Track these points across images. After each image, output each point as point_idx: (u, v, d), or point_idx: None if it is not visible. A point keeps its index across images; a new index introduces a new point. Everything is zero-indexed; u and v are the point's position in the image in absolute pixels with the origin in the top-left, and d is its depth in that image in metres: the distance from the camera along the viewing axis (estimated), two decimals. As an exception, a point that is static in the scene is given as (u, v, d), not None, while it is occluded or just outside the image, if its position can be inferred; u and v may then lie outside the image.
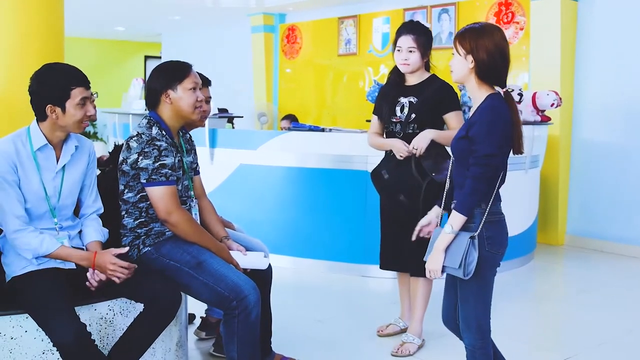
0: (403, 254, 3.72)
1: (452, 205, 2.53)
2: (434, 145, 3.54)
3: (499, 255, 2.54)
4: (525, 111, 5.75)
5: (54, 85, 2.64)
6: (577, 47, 6.59)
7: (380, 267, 3.91)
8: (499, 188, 2.52)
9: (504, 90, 2.52)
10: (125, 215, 2.93)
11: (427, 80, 3.67)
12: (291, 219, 5.56)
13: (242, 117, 7.80)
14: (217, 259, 2.89)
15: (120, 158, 2.92)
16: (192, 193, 3.11)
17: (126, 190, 2.91)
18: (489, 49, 2.46)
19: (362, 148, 5.21)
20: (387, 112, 3.72)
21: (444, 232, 2.49)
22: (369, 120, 5.75)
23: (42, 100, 2.65)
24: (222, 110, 7.17)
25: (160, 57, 13.66)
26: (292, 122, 8.12)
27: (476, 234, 2.46)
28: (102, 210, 2.90)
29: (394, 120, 3.69)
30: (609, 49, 6.37)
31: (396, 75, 3.73)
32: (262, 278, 3.12)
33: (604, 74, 6.42)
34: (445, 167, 3.43)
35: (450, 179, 2.68)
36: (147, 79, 3.04)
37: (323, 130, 5.63)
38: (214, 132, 5.90)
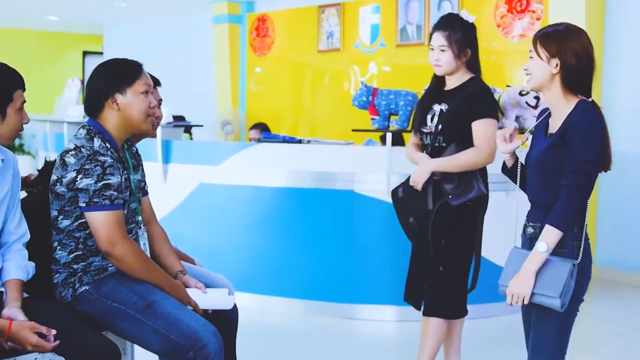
0: (420, 288, 3.80)
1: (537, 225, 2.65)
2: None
3: (585, 288, 2.66)
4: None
5: None
6: (605, 44, 6.68)
7: (403, 299, 3.97)
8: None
9: (590, 99, 2.64)
10: (59, 247, 2.91)
11: (464, 83, 3.71)
12: (261, 250, 5.56)
13: (202, 126, 7.81)
14: (170, 299, 2.89)
15: (53, 177, 2.90)
16: (139, 218, 3.10)
17: (61, 217, 2.90)
18: (577, 53, 2.59)
19: (347, 163, 5.24)
20: (419, 120, 3.81)
21: (537, 251, 2.58)
22: (355, 130, 5.85)
23: None
24: (178, 118, 7.17)
25: (101, 54, 13.65)
26: (263, 132, 8.13)
27: (577, 261, 2.57)
28: (27, 237, 2.88)
29: (425, 130, 3.76)
30: (642, 44, 6.48)
31: (436, 78, 3.81)
32: (226, 321, 3.12)
33: (637, 75, 6.52)
34: (468, 194, 3.57)
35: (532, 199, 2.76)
36: (87, 80, 3.04)
37: (300, 141, 5.65)
38: (167, 144, 5.90)
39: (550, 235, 2.57)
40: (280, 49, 9.59)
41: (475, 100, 3.63)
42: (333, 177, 5.27)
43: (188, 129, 7.85)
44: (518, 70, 7.19)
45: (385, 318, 5.23)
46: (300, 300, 5.44)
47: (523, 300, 2.59)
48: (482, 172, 3.68)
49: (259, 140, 6.55)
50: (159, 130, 5.78)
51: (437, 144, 3.68)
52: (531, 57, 2.67)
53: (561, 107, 2.64)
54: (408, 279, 3.92)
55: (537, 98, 5.32)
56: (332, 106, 9.02)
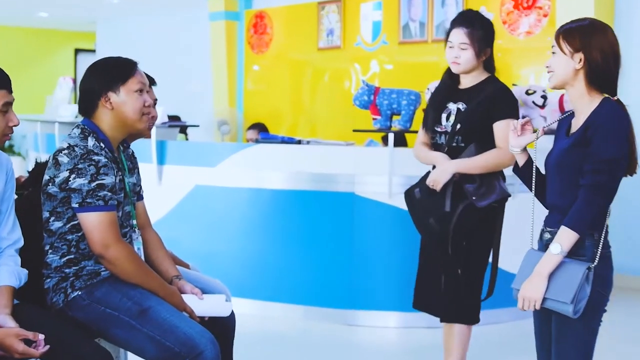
0: (434, 293, 3.78)
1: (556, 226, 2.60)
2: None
3: (606, 298, 2.62)
4: (551, 117, 5.81)
5: None
6: (614, 40, 6.68)
7: (412, 306, 3.95)
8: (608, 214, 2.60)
9: (615, 98, 2.62)
10: (50, 250, 2.91)
11: (482, 82, 3.71)
12: (259, 254, 5.55)
13: (198, 126, 7.81)
14: (165, 305, 2.88)
15: (46, 177, 2.91)
16: (134, 222, 3.10)
17: (52, 219, 2.89)
18: (603, 49, 2.57)
19: (347, 165, 5.24)
20: (432, 119, 3.79)
21: (550, 253, 2.55)
22: (356, 130, 5.85)
23: None
24: (173, 118, 7.17)
25: (94, 51, 13.64)
26: (261, 132, 8.14)
27: (593, 265, 2.53)
28: (21, 243, 2.88)
29: (439, 129, 3.76)
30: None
31: (449, 75, 3.80)
32: (223, 328, 3.11)
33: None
34: (492, 195, 3.57)
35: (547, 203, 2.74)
36: (81, 79, 3.04)
37: (299, 142, 5.65)
38: (162, 145, 5.90)
39: (565, 237, 2.53)
40: (279, 47, 9.59)
41: (497, 101, 3.63)
42: (333, 179, 5.27)
43: (183, 129, 7.84)
44: (524, 69, 7.19)
45: (388, 324, 5.23)
46: (300, 306, 5.43)
47: (535, 305, 2.56)
48: (501, 172, 3.70)
49: (256, 141, 6.55)
50: (153, 131, 5.75)
51: (454, 144, 3.67)
52: (553, 53, 2.65)
53: (584, 105, 2.61)
54: (418, 285, 3.90)
55: (544, 97, 5.32)
56: (333, 106, 9.02)
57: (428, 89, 5.01)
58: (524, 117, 4.51)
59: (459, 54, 3.67)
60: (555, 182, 2.67)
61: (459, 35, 3.67)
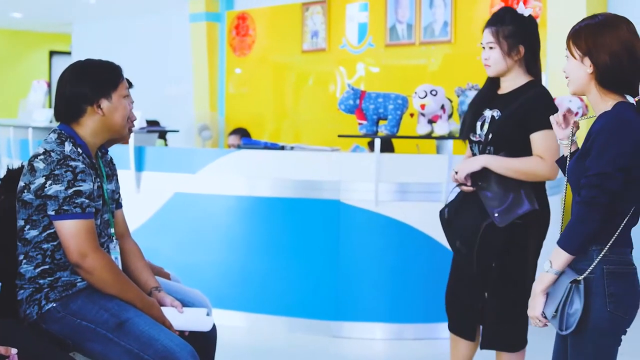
0: (467, 316, 3.64)
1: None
2: (499, 176, 3.41)
3: (626, 321, 2.52)
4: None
5: None
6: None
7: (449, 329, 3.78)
8: (627, 228, 2.52)
9: (636, 99, 2.52)
10: (24, 260, 2.90)
11: (521, 87, 3.50)
12: (241, 264, 5.55)
13: (178, 131, 7.80)
14: (144, 317, 2.88)
15: (21, 184, 2.90)
16: (112, 231, 3.10)
17: (27, 227, 2.89)
18: (612, 49, 2.48)
19: (333, 171, 5.24)
20: (468, 127, 3.64)
21: (542, 271, 2.54)
22: (342, 135, 5.86)
23: None
24: (152, 123, 7.16)
25: (69, 54, 13.61)
26: (243, 137, 8.13)
27: (582, 277, 2.47)
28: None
29: (474, 139, 3.59)
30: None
31: (490, 80, 3.63)
32: (204, 341, 3.11)
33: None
34: (518, 209, 3.36)
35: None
36: (60, 83, 3.03)
37: (283, 148, 5.65)
38: (140, 150, 5.89)
39: (556, 255, 2.51)
40: (262, 49, 9.60)
41: (534, 109, 3.40)
42: (318, 186, 5.27)
43: (163, 134, 7.84)
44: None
45: (374, 336, 5.23)
46: (284, 317, 5.43)
47: (538, 323, 2.58)
48: (536, 186, 3.45)
49: (238, 147, 6.54)
50: (131, 136, 5.76)
51: (487, 154, 3.50)
52: (567, 57, 2.59)
53: (601, 110, 2.53)
54: (449, 308, 3.73)
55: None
56: (317, 110, 9.03)
57: (415, 92, 5.02)
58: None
59: (488, 54, 3.53)
60: (574, 196, 2.58)
61: (487, 35, 3.54)
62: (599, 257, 2.49)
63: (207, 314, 3.15)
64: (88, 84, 2.98)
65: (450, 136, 5.07)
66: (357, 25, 8.50)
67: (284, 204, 5.39)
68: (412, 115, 5.37)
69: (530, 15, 3.55)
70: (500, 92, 3.57)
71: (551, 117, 2.78)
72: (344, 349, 5.11)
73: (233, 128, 9.22)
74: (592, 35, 2.52)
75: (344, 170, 5.29)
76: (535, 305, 2.56)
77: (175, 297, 3.14)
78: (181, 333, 2.97)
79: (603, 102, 2.53)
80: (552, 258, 2.52)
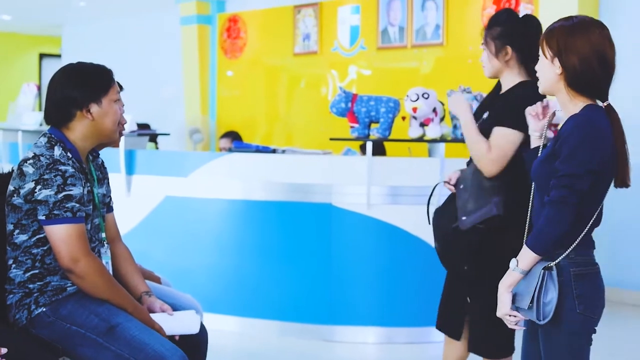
0: (452, 316, 3.62)
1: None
2: (478, 175, 3.37)
3: (595, 320, 2.56)
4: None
5: None
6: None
7: (436, 326, 3.77)
8: (591, 230, 2.55)
9: (605, 104, 2.56)
10: (14, 265, 2.90)
11: (512, 88, 3.48)
12: (232, 268, 5.55)
13: (169, 134, 7.79)
14: (134, 321, 2.88)
15: (10, 188, 2.90)
16: (103, 235, 3.10)
17: (17, 231, 2.89)
18: (582, 52, 2.51)
19: (324, 175, 5.25)
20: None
21: (509, 269, 2.57)
22: (333, 139, 5.86)
23: None
24: (143, 126, 7.15)
25: (59, 56, 13.59)
26: (235, 141, 8.13)
27: (553, 263, 2.50)
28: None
29: None
30: None
31: (498, 82, 3.61)
32: (195, 345, 3.11)
33: (636, 81, 6.58)
34: (479, 213, 3.32)
35: (530, 223, 2.70)
36: (50, 86, 3.03)
37: (274, 151, 5.66)
38: (131, 154, 5.89)
39: (523, 256, 2.54)
40: (253, 52, 9.61)
41: (504, 106, 3.39)
42: (310, 190, 5.28)
43: (153, 137, 7.83)
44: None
45: (367, 340, 5.24)
46: (276, 321, 5.43)
47: (509, 321, 2.58)
48: (515, 193, 3.28)
49: (230, 150, 6.54)
50: (122, 139, 5.75)
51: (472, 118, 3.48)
52: (539, 57, 2.62)
53: (570, 112, 2.56)
54: (442, 303, 3.71)
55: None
56: (309, 113, 9.04)
57: (407, 95, 5.03)
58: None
59: (482, 56, 3.53)
60: (536, 198, 2.65)
61: (482, 37, 3.55)
62: (565, 260, 2.52)
63: (196, 315, 3.15)
64: (78, 88, 2.98)
65: (442, 139, 5.08)
66: (349, 28, 8.51)
67: (275, 207, 5.40)
68: (404, 118, 5.38)
69: (527, 16, 3.56)
70: (501, 93, 3.57)
71: (529, 108, 2.80)
72: (336, 353, 5.12)
73: (224, 131, 9.22)
74: (563, 36, 2.55)
75: (336, 173, 5.30)
76: (501, 303, 2.58)
77: (166, 301, 3.14)
78: (172, 337, 2.97)
79: (572, 104, 2.56)
80: (519, 257, 2.55)
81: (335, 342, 5.26)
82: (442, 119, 5.16)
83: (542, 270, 2.50)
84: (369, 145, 5.16)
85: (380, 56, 8.20)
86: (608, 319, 6.11)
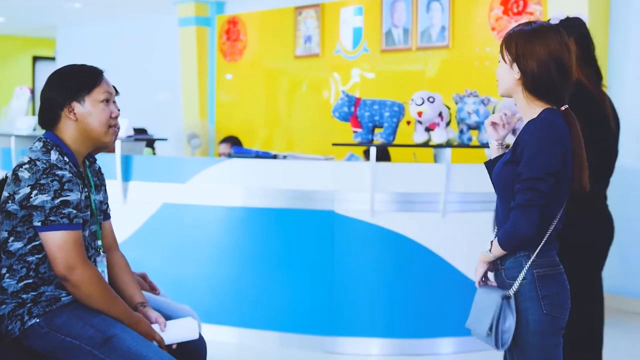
0: None
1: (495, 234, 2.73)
2: None
3: (562, 320, 2.66)
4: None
5: None
6: (610, 48, 6.75)
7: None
8: (554, 232, 2.66)
9: (563, 108, 2.66)
10: (7, 274, 2.90)
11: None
12: (232, 277, 5.54)
13: (167, 139, 7.79)
14: (131, 333, 2.87)
15: (4, 194, 2.90)
16: (99, 243, 3.09)
17: (12, 239, 2.88)
18: (540, 57, 2.61)
19: (327, 181, 5.24)
20: None
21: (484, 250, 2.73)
22: (336, 144, 5.86)
23: None
24: (139, 131, 7.15)
25: (54, 59, 13.61)
26: (234, 146, 8.13)
27: (512, 292, 2.62)
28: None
29: None
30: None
31: None
32: (193, 356, 3.11)
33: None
34: None
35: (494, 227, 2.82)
36: (42, 88, 3.04)
37: (275, 157, 5.66)
38: (127, 160, 5.88)
39: (495, 247, 2.68)
40: (253, 55, 9.61)
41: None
42: (311, 196, 5.28)
43: (151, 143, 7.82)
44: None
45: (370, 352, 5.23)
46: (276, 332, 5.42)
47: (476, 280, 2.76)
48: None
49: (229, 156, 6.54)
50: (118, 145, 5.77)
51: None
52: (499, 61, 2.71)
53: (528, 116, 2.67)
54: None
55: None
56: (311, 118, 9.04)
57: (412, 99, 5.03)
58: (514, 129, 4.49)
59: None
60: (500, 202, 2.74)
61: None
62: (529, 263, 2.63)
63: (193, 322, 3.15)
64: (59, 87, 2.99)
65: (448, 144, 5.08)
66: (352, 29, 8.52)
67: (276, 214, 5.39)
68: (408, 122, 5.38)
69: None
70: None
71: (490, 117, 2.85)
72: (339, 365, 5.12)
73: (223, 136, 9.22)
74: (522, 42, 2.64)
75: (339, 179, 5.30)
76: (479, 270, 2.76)
77: (163, 312, 3.13)
78: (169, 348, 2.96)
79: (530, 108, 2.67)
80: (493, 246, 2.70)
81: (337, 353, 5.25)
82: (448, 124, 5.16)
83: (501, 300, 2.61)
84: (373, 151, 5.16)
85: (384, 59, 8.20)
86: (620, 328, 6.13)
